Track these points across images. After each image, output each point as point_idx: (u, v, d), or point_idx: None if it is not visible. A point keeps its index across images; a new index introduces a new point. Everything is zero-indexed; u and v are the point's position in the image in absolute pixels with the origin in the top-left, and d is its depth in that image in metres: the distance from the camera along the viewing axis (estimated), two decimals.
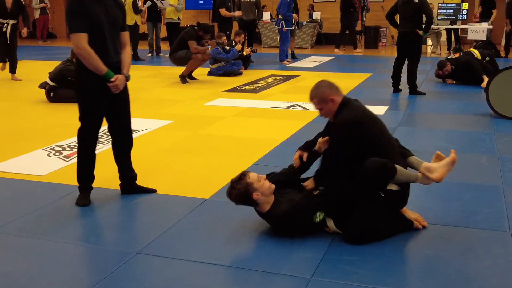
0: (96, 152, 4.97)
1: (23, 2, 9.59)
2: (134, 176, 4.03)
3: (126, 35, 3.82)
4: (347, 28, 14.60)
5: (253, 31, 12.95)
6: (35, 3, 17.68)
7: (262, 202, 3.28)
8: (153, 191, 4.03)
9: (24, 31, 9.76)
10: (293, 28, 12.21)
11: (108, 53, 3.62)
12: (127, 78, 3.73)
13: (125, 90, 3.78)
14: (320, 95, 3.36)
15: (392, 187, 3.24)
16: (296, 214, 3.24)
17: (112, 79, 3.60)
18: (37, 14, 17.78)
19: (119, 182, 4.03)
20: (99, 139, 5.39)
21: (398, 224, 3.31)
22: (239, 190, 3.25)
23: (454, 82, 9.16)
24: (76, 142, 3.82)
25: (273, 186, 3.32)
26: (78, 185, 3.87)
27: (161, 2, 13.07)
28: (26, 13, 9.65)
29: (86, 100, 3.69)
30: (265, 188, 3.27)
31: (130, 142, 4.00)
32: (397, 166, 3.20)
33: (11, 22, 9.30)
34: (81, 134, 3.75)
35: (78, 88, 3.73)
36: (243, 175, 3.31)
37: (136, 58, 12.81)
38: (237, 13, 12.16)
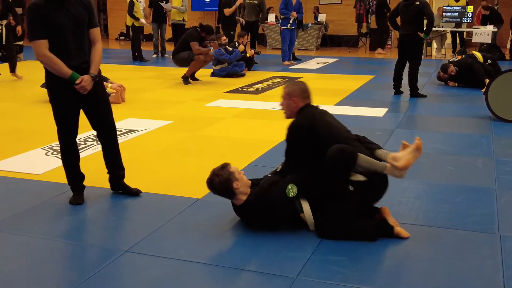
0: (92, 151, 5.05)
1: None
2: (121, 174, 4.02)
3: (95, 32, 3.74)
4: (384, 29, 14.56)
5: (256, 33, 12.97)
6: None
7: (240, 193, 3.38)
8: (137, 192, 3.99)
9: (19, 29, 9.87)
10: (289, 27, 12.04)
11: (72, 55, 3.60)
12: (94, 78, 3.65)
13: (98, 88, 3.73)
14: (289, 89, 3.58)
15: (360, 177, 3.26)
16: (267, 193, 3.33)
17: (77, 81, 3.57)
18: None
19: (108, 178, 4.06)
20: (98, 139, 5.44)
21: (376, 225, 3.30)
22: (222, 177, 3.34)
23: (456, 84, 9.15)
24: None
25: (250, 181, 3.46)
26: (70, 186, 3.91)
27: (164, 4, 13.15)
28: (15, 11, 9.75)
29: (56, 104, 3.70)
30: (244, 180, 3.42)
31: (112, 139, 3.95)
32: (359, 154, 3.23)
33: (4, 22, 9.43)
34: (59, 137, 3.80)
35: (48, 92, 3.74)
36: (225, 165, 3.42)
37: (140, 59, 12.87)
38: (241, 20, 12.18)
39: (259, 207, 3.34)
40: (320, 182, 3.28)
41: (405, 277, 2.84)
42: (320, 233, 3.25)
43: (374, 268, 2.91)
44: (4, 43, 9.52)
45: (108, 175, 4.05)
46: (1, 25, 9.41)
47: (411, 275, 2.85)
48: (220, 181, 3.35)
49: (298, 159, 3.45)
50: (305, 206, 3.31)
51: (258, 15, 12.78)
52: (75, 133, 3.82)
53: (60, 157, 4.82)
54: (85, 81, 3.59)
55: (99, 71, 3.77)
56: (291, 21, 11.85)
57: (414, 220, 3.52)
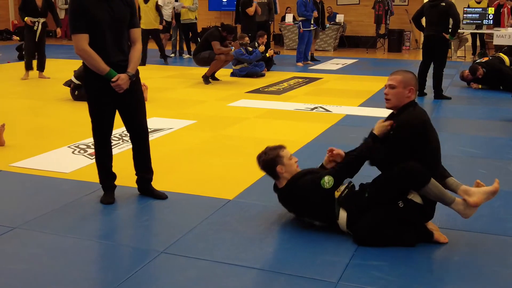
0: (121, 150, 5.02)
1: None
2: (148, 177, 3.94)
3: (135, 32, 3.73)
4: None
5: (268, 32, 12.90)
6: (61, 3, 17.93)
7: (283, 177, 3.40)
8: (164, 197, 3.89)
9: (59, 31, 9.91)
10: (311, 28, 12.07)
11: (110, 52, 3.56)
12: (131, 77, 3.60)
13: (134, 88, 3.68)
14: (407, 78, 3.25)
15: (417, 198, 3.14)
16: (300, 179, 3.31)
17: (114, 79, 3.52)
18: (62, 14, 17.98)
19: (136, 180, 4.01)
20: (124, 138, 5.42)
21: (415, 232, 3.17)
22: (268, 156, 3.43)
23: (479, 86, 9.01)
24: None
25: (298, 170, 3.44)
26: (101, 185, 3.88)
27: (175, 3, 13.14)
28: (55, 12, 9.79)
29: (93, 101, 3.68)
30: (292, 167, 3.42)
31: (143, 142, 3.88)
32: (432, 179, 3.09)
33: (42, 20, 9.42)
34: (93, 134, 3.77)
35: (85, 88, 3.73)
36: (279, 147, 3.48)
37: (164, 58, 12.79)
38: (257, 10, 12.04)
39: (291, 192, 3.33)
40: (376, 189, 3.17)
41: (448, 283, 2.76)
42: (357, 238, 3.17)
43: (416, 274, 2.84)
44: (37, 40, 9.49)
45: (136, 177, 4.01)
46: (38, 22, 9.39)
47: (454, 280, 2.77)
48: (266, 159, 3.44)
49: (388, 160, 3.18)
50: (342, 214, 3.23)
51: (268, 14, 12.71)
52: (109, 132, 3.78)
53: (87, 155, 4.82)
54: (121, 80, 3.54)
55: (137, 71, 3.72)
56: (312, 21, 11.82)
57: (452, 225, 3.44)
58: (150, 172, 3.97)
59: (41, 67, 9.74)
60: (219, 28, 9.38)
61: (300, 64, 12.15)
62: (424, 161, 3.11)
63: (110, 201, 3.78)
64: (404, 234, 3.17)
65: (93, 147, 5.07)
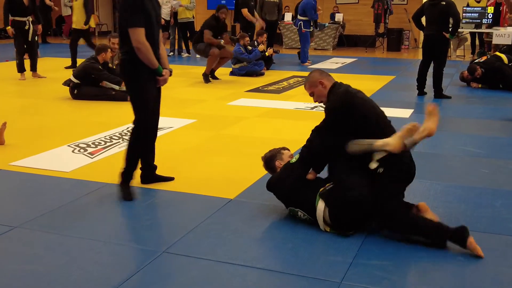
0: (121, 149, 5.00)
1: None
2: (154, 166, 4.15)
3: (160, 32, 3.95)
4: None
5: (274, 32, 12.89)
6: (67, 1, 17.80)
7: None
8: (171, 179, 4.15)
9: (39, 28, 9.75)
10: (311, 30, 12.11)
11: (157, 47, 3.79)
12: (171, 73, 3.93)
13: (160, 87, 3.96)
14: (310, 79, 3.55)
15: (379, 155, 3.22)
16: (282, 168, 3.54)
17: (164, 73, 3.79)
18: (68, 11, 17.98)
19: (140, 172, 4.09)
20: (124, 137, 5.40)
21: (451, 231, 3.08)
22: (269, 153, 3.80)
23: (479, 86, 9.00)
24: (131, 136, 3.90)
25: None
26: (122, 179, 3.87)
27: (173, 2, 13.11)
28: (37, 9, 9.66)
29: (141, 92, 3.78)
30: None
31: (156, 134, 4.12)
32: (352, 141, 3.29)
33: (30, 18, 9.32)
34: (141, 126, 3.85)
35: (133, 81, 3.79)
36: (283, 148, 3.83)
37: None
38: (258, 24, 11.95)
39: (274, 177, 3.54)
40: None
41: (453, 283, 2.75)
42: (386, 220, 3.19)
43: (420, 274, 2.83)
44: (30, 39, 9.40)
45: (140, 171, 4.06)
46: (28, 21, 9.30)
47: (457, 281, 2.76)
48: (267, 156, 3.79)
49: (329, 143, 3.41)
50: (321, 205, 3.26)
51: (278, 13, 12.70)
52: (157, 122, 4.04)
53: (87, 154, 4.80)
54: (168, 75, 3.85)
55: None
56: (312, 23, 11.87)
57: (455, 225, 3.42)
58: (154, 159, 4.16)
59: (33, 67, 9.62)
60: (217, 16, 9.29)
61: (307, 63, 12.12)
62: (369, 130, 3.28)
63: (131, 198, 3.81)
64: (439, 230, 3.11)
65: (93, 146, 5.10)
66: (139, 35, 3.62)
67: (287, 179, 3.43)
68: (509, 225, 3.44)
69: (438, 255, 3.05)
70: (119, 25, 3.79)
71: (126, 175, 3.88)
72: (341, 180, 3.29)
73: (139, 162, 3.98)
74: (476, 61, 9.30)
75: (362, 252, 3.04)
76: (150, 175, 4.11)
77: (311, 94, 3.58)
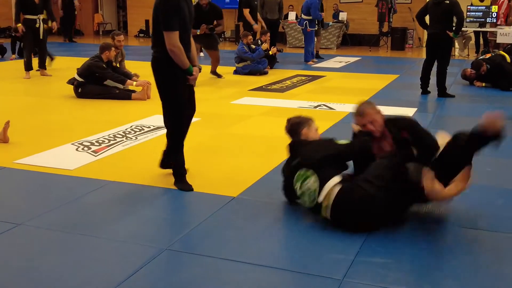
0: (124, 147, 5.04)
1: None
2: None
3: (192, 31, 4.09)
4: None
5: (276, 31, 12.89)
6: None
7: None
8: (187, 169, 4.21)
9: (54, 26, 9.80)
10: (316, 28, 12.12)
11: (189, 48, 3.95)
12: (200, 70, 4.10)
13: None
14: (369, 106, 3.66)
15: None
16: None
17: (194, 73, 3.93)
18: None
19: (161, 157, 4.28)
20: (127, 135, 5.43)
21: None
22: (298, 119, 3.81)
23: (483, 84, 8.98)
24: (169, 137, 4.10)
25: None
26: (177, 172, 4.04)
27: None
28: (50, 7, 9.68)
29: (174, 90, 3.93)
30: (315, 136, 3.71)
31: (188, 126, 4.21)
32: None
33: (42, 17, 9.38)
34: (177, 123, 4.03)
35: (164, 81, 3.93)
36: (311, 119, 3.81)
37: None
38: (256, 27, 11.89)
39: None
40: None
41: (454, 280, 2.75)
42: None
43: (422, 271, 2.84)
44: (41, 37, 9.43)
45: (162, 153, 4.30)
46: (39, 19, 9.33)
47: (460, 278, 2.77)
48: (295, 121, 3.79)
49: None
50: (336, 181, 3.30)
51: (279, 12, 12.69)
52: (191, 119, 4.17)
53: (91, 153, 4.82)
54: (197, 73, 3.98)
55: None
56: (317, 22, 11.89)
57: (458, 223, 3.44)
58: None
59: (42, 65, 9.68)
60: (200, 4, 8.99)
61: (311, 62, 12.13)
62: None
63: (191, 188, 3.97)
64: None
65: (97, 144, 5.12)
66: (173, 38, 3.74)
67: (326, 150, 3.44)
68: (511, 223, 3.44)
69: (440, 252, 3.06)
70: (153, 25, 3.89)
71: (180, 170, 4.07)
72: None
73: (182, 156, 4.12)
74: (481, 58, 9.27)
75: (364, 249, 3.04)
76: (169, 162, 4.23)
77: (370, 123, 3.56)
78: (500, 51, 9.60)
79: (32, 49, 9.67)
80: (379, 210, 3.20)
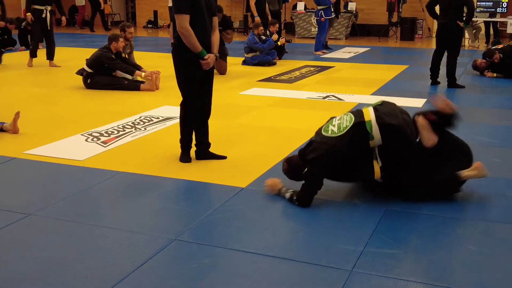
0: (134, 138, 5.05)
1: None
2: (207, 143, 4.48)
3: (215, 19, 4.30)
4: None
5: (279, 22, 12.81)
6: None
7: None
8: (223, 157, 4.47)
9: (64, 19, 9.90)
10: (332, 16, 12.02)
11: (205, 33, 4.13)
12: (217, 57, 4.24)
13: (212, 69, 4.30)
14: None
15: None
16: None
17: (206, 57, 4.09)
18: (82, 1, 18.19)
19: (194, 148, 4.48)
20: (136, 126, 5.45)
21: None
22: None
23: (494, 75, 8.89)
24: (180, 112, 4.37)
25: None
26: (181, 145, 4.40)
27: None
28: (60, 1, 9.79)
29: (186, 74, 4.21)
30: None
31: (208, 113, 4.45)
32: None
33: (49, 8, 9.44)
34: (184, 103, 4.31)
35: (179, 64, 4.22)
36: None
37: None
38: (256, 19, 11.75)
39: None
40: None
41: (463, 272, 2.75)
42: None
43: (431, 262, 2.83)
44: (48, 28, 9.52)
45: (195, 148, 4.49)
46: (46, 10, 9.42)
47: (470, 270, 2.76)
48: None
49: None
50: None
51: (279, 3, 12.61)
52: (198, 100, 4.31)
53: (101, 143, 4.84)
54: (211, 59, 4.14)
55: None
56: (332, 9, 11.79)
57: (468, 214, 3.43)
58: (208, 138, 4.51)
59: (50, 56, 9.74)
60: None
61: (319, 53, 12.06)
62: None
63: (188, 161, 4.35)
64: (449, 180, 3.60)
65: (106, 135, 5.14)
66: (182, 20, 3.99)
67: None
68: None
69: (449, 244, 3.05)
70: (170, 14, 4.06)
71: (182, 144, 4.40)
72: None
73: (193, 135, 4.42)
74: (493, 47, 9.18)
75: (372, 241, 3.04)
76: (203, 152, 4.46)
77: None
78: (510, 42, 9.49)
79: (40, 38, 9.84)
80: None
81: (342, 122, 3.52)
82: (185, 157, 4.39)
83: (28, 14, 9.46)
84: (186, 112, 4.33)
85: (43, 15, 9.41)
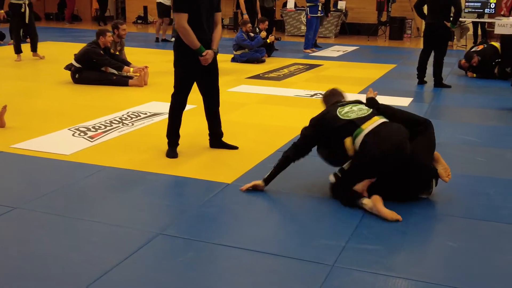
0: (121, 133, 5.06)
1: None
2: (220, 133, 4.71)
3: (218, 15, 4.45)
4: None
5: (272, 19, 12.85)
6: None
7: None
8: (235, 148, 4.67)
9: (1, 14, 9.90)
10: (319, 15, 12.07)
11: (203, 30, 4.27)
12: (215, 53, 4.40)
13: (214, 62, 4.44)
14: None
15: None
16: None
17: (204, 54, 4.23)
18: None
19: (208, 138, 4.74)
20: (124, 121, 5.46)
21: None
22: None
23: (474, 75, 9.03)
24: (169, 104, 4.49)
25: None
26: (168, 141, 4.50)
27: None
28: None
29: (181, 69, 4.37)
30: None
31: (217, 104, 4.66)
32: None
33: (27, 1, 9.44)
34: (174, 97, 4.46)
35: (176, 59, 4.38)
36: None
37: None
38: (245, 16, 11.74)
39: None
40: None
41: (443, 267, 2.81)
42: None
43: (412, 258, 2.89)
44: (27, 22, 9.53)
45: (208, 137, 4.75)
46: (24, 3, 9.40)
47: (449, 266, 2.82)
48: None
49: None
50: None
51: (274, 0, 12.65)
52: (186, 96, 4.49)
53: (87, 138, 4.85)
54: (209, 55, 4.30)
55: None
56: (320, 8, 11.81)
57: (449, 212, 3.49)
58: (220, 127, 4.72)
59: (34, 48, 9.79)
60: None
61: (308, 51, 12.11)
62: None
63: (175, 156, 4.43)
64: None
65: (93, 130, 5.15)
66: (180, 19, 4.16)
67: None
68: (502, 212, 3.49)
69: (430, 240, 3.11)
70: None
71: (169, 139, 4.52)
72: None
73: (178, 129, 4.54)
74: (473, 49, 9.29)
75: (355, 236, 3.09)
76: (216, 141, 4.70)
77: None
78: (492, 42, 9.57)
79: (19, 33, 9.81)
80: None
81: (357, 110, 3.71)
82: (171, 153, 4.46)
83: (1, 11, 9.49)
84: (175, 104, 4.45)
85: (22, 10, 9.41)
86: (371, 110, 3.74)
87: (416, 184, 3.58)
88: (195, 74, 4.40)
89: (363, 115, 3.64)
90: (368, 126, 3.55)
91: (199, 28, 4.24)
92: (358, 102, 3.92)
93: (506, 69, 8.42)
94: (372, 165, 3.46)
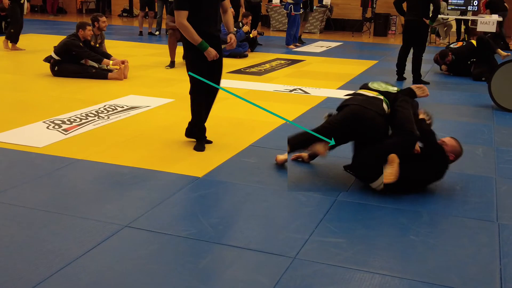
0: (96, 126, 5.06)
1: None
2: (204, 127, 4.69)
3: (227, 2, 4.52)
4: None
5: (259, 14, 12.87)
6: None
7: None
8: (209, 142, 4.69)
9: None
10: (301, 12, 12.12)
11: (207, 24, 4.30)
12: (234, 34, 4.53)
13: (220, 52, 4.46)
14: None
15: None
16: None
17: (206, 52, 4.27)
18: None
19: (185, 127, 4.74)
20: (99, 114, 5.46)
21: None
22: None
23: (447, 72, 9.13)
24: (190, 100, 4.56)
25: None
26: (197, 135, 4.61)
27: None
28: None
29: (193, 61, 4.40)
30: None
31: (215, 93, 4.66)
32: None
33: None
34: (193, 92, 4.52)
35: (187, 52, 4.43)
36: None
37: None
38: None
39: None
40: None
41: (402, 260, 2.86)
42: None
43: (372, 251, 2.93)
44: (25, 13, 9.84)
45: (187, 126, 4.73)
46: None
47: (408, 259, 2.87)
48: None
49: None
50: None
51: None
52: (205, 89, 4.50)
53: (61, 131, 4.85)
54: (233, 40, 4.47)
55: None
56: (302, 6, 11.87)
57: (413, 206, 3.54)
58: (205, 120, 4.72)
59: (16, 39, 9.91)
60: None
61: (292, 46, 12.13)
62: None
63: (203, 149, 4.50)
64: None
65: (68, 122, 5.15)
66: (179, 16, 4.21)
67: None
68: (465, 207, 3.55)
69: (391, 234, 3.16)
70: None
71: (193, 128, 4.64)
72: None
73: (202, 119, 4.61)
74: (451, 46, 9.35)
75: (319, 229, 3.14)
76: (194, 132, 4.67)
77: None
78: (471, 40, 9.64)
79: (21, 23, 9.93)
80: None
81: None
82: (199, 146, 4.55)
83: (5, 1, 9.47)
84: (195, 99, 4.51)
85: (21, 1, 9.57)
86: (382, 92, 4.16)
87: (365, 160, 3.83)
88: (205, 67, 4.40)
89: (372, 87, 4.19)
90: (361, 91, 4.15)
91: (203, 22, 4.28)
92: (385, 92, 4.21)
93: (481, 79, 8.48)
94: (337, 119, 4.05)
